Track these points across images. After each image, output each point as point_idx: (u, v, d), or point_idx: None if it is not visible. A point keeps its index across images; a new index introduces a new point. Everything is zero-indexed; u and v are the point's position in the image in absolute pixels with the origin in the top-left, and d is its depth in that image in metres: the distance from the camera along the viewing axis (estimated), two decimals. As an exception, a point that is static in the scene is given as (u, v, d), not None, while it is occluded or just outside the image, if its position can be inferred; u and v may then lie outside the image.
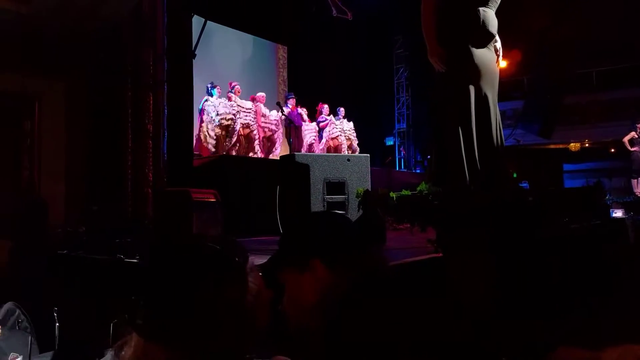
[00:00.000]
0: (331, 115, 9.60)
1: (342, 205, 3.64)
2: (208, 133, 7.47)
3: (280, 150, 8.62)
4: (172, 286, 0.86)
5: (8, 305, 2.86)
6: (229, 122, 7.63)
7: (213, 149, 7.48)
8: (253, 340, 0.93)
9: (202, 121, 7.54)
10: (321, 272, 1.10)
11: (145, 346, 0.84)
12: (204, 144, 7.47)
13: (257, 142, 8.13)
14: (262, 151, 8.29)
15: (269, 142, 8.59)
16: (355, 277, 1.11)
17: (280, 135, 8.66)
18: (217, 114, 7.50)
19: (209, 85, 7.67)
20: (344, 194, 3.65)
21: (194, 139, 7.39)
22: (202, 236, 1.02)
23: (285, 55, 10.97)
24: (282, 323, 1.14)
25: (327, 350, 1.06)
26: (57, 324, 2.78)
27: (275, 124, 8.54)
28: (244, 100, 8.04)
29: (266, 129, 8.47)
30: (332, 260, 1.11)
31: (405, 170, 12.21)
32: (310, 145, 9.05)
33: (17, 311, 2.87)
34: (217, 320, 0.84)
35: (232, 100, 7.77)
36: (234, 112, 7.68)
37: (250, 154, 8.00)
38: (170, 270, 0.88)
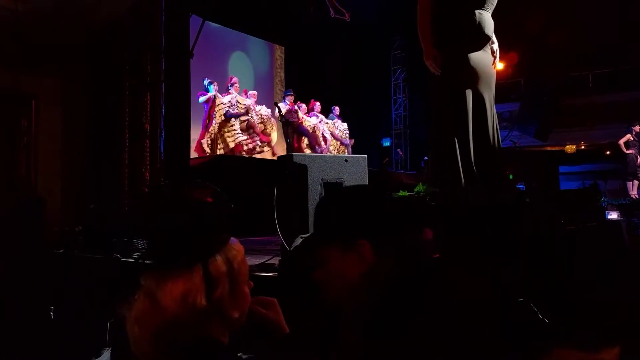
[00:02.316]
0: (322, 115, 9.63)
1: (339, 205, 3.64)
2: (227, 133, 7.58)
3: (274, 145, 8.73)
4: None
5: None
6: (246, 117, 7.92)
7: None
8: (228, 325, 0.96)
9: (209, 121, 7.59)
10: (368, 254, 1.11)
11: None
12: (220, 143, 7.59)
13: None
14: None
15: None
16: (401, 259, 1.13)
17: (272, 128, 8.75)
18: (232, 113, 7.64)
19: (207, 82, 7.68)
20: (341, 195, 3.65)
21: (208, 140, 7.48)
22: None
23: (283, 56, 10.99)
24: (314, 293, 1.15)
25: (372, 328, 1.07)
26: (54, 323, 2.79)
27: (267, 117, 8.59)
28: (242, 97, 8.13)
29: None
30: (380, 242, 1.12)
31: (402, 171, 12.23)
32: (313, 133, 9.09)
33: None
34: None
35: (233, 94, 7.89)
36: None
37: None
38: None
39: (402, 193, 2.91)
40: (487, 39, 3.18)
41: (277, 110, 6.85)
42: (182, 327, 0.92)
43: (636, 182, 9.65)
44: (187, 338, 0.92)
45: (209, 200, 1.06)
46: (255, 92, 8.52)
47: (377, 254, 1.11)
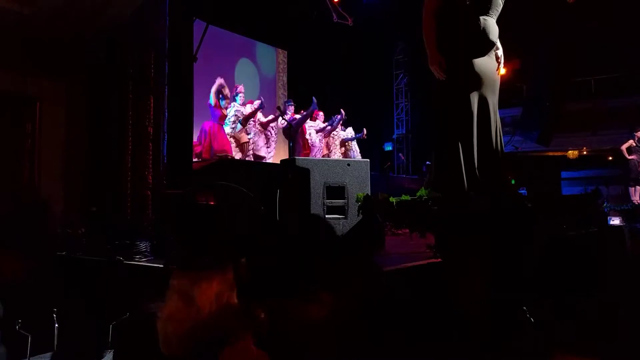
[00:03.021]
0: (329, 127, 9.65)
1: (342, 209, 3.65)
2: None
3: (274, 150, 8.74)
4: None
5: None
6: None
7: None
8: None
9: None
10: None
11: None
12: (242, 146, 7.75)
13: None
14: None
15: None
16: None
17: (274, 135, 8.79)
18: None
19: (235, 92, 7.93)
20: (343, 199, 3.66)
21: (233, 143, 7.62)
22: None
23: (285, 60, 11.01)
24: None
25: None
26: (57, 325, 2.78)
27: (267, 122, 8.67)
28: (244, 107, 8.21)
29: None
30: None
31: (404, 175, 12.23)
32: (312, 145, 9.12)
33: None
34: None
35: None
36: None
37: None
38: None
39: (404, 197, 2.92)
40: (492, 44, 3.20)
41: (280, 115, 6.87)
42: (215, 326, 0.93)
43: (638, 187, 9.64)
44: (218, 336, 0.94)
45: (239, 203, 1.10)
46: (259, 102, 8.55)
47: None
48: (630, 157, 9.56)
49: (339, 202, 3.64)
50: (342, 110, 9.80)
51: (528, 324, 2.48)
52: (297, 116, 9.02)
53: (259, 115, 8.40)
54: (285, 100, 9.64)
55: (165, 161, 5.35)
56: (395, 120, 13.22)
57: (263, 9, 9.21)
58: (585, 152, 13.44)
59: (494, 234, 2.55)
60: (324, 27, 10.15)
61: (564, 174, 13.71)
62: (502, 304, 2.59)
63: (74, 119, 5.16)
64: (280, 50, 10.92)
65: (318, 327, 0.99)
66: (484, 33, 3.15)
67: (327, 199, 3.56)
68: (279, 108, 7.31)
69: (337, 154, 9.82)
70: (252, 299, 1.10)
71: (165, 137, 5.38)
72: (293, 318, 1.00)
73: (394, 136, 13.17)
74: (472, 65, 3.12)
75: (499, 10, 3.25)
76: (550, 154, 12.79)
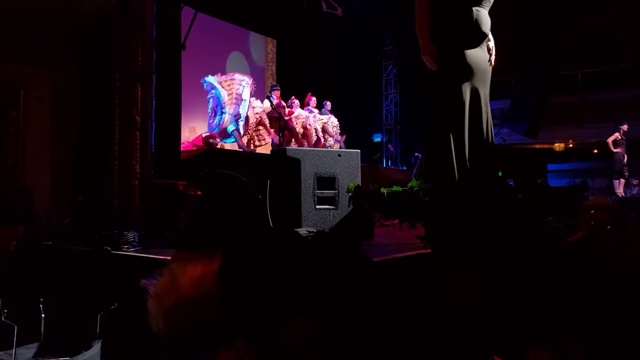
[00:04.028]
0: (316, 110, 9.57)
1: (332, 200, 3.64)
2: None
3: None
4: None
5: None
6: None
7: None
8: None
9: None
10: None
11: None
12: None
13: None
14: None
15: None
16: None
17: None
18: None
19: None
20: (334, 189, 3.65)
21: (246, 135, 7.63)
22: None
23: (274, 49, 10.92)
24: None
25: None
26: (43, 316, 2.75)
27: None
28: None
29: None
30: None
31: (392, 166, 12.26)
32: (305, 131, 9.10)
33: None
34: None
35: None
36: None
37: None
38: None
39: (395, 188, 2.91)
40: (484, 36, 3.20)
41: (269, 103, 6.82)
42: (192, 308, 0.93)
43: (622, 180, 9.78)
44: (197, 320, 0.93)
45: (233, 191, 1.09)
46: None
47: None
48: (615, 150, 9.68)
49: (329, 192, 3.63)
50: (328, 102, 9.76)
51: (519, 317, 2.49)
52: (290, 102, 8.95)
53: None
54: (272, 84, 9.53)
55: (153, 150, 5.29)
56: (384, 111, 13.22)
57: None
58: (571, 145, 13.59)
59: (485, 225, 2.56)
60: (314, 17, 10.09)
61: (550, 166, 13.86)
62: (494, 297, 2.60)
63: (60, 106, 5.07)
64: (269, 39, 10.83)
65: (306, 339, 0.97)
66: (476, 24, 3.15)
67: (317, 190, 3.55)
68: (268, 97, 7.25)
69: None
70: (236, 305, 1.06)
71: (153, 125, 5.31)
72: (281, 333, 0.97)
73: (383, 127, 13.18)
74: (464, 56, 3.12)
75: (492, 1, 3.25)
76: (537, 146, 12.91)
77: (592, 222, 2.86)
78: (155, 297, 0.98)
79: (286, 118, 8.52)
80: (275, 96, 8.65)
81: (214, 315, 0.96)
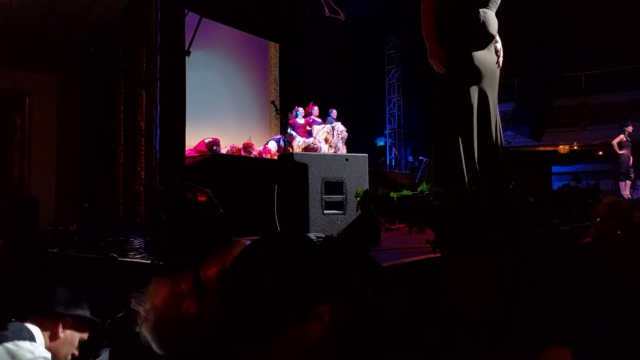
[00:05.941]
0: (319, 119, 9.55)
1: (340, 205, 3.61)
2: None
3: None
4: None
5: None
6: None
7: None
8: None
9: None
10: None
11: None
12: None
13: None
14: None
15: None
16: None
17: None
18: None
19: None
20: (342, 194, 3.62)
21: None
22: None
23: (277, 54, 10.93)
24: None
25: None
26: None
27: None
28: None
29: None
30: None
31: (397, 170, 12.24)
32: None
33: None
34: None
35: None
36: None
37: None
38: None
39: (405, 192, 2.88)
40: (491, 37, 3.17)
41: (274, 108, 6.80)
42: (168, 330, 0.89)
43: (628, 182, 9.73)
44: (188, 339, 0.89)
45: (199, 201, 1.05)
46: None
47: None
48: (621, 152, 9.64)
49: (337, 197, 3.60)
50: (334, 110, 9.71)
51: (527, 321, 2.46)
52: (295, 112, 8.96)
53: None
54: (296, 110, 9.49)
55: (158, 156, 5.27)
56: (387, 115, 13.21)
57: (256, 2, 9.13)
58: (575, 147, 13.54)
59: (496, 228, 2.53)
60: (317, 22, 10.09)
61: (554, 169, 13.82)
62: (503, 301, 2.57)
63: (65, 113, 5.07)
64: (272, 44, 10.83)
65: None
66: (483, 26, 3.12)
67: (325, 194, 3.52)
68: (273, 102, 7.24)
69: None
70: None
71: (158, 132, 5.30)
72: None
73: (386, 131, 13.16)
74: (471, 59, 3.09)
75: (498, 3, 3.22)
76: (542, 149, 12.87)
77: (604, 230, 2.83)
78: (141, 318, 0.94)
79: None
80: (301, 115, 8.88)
81: (207, 333, 0.91)
